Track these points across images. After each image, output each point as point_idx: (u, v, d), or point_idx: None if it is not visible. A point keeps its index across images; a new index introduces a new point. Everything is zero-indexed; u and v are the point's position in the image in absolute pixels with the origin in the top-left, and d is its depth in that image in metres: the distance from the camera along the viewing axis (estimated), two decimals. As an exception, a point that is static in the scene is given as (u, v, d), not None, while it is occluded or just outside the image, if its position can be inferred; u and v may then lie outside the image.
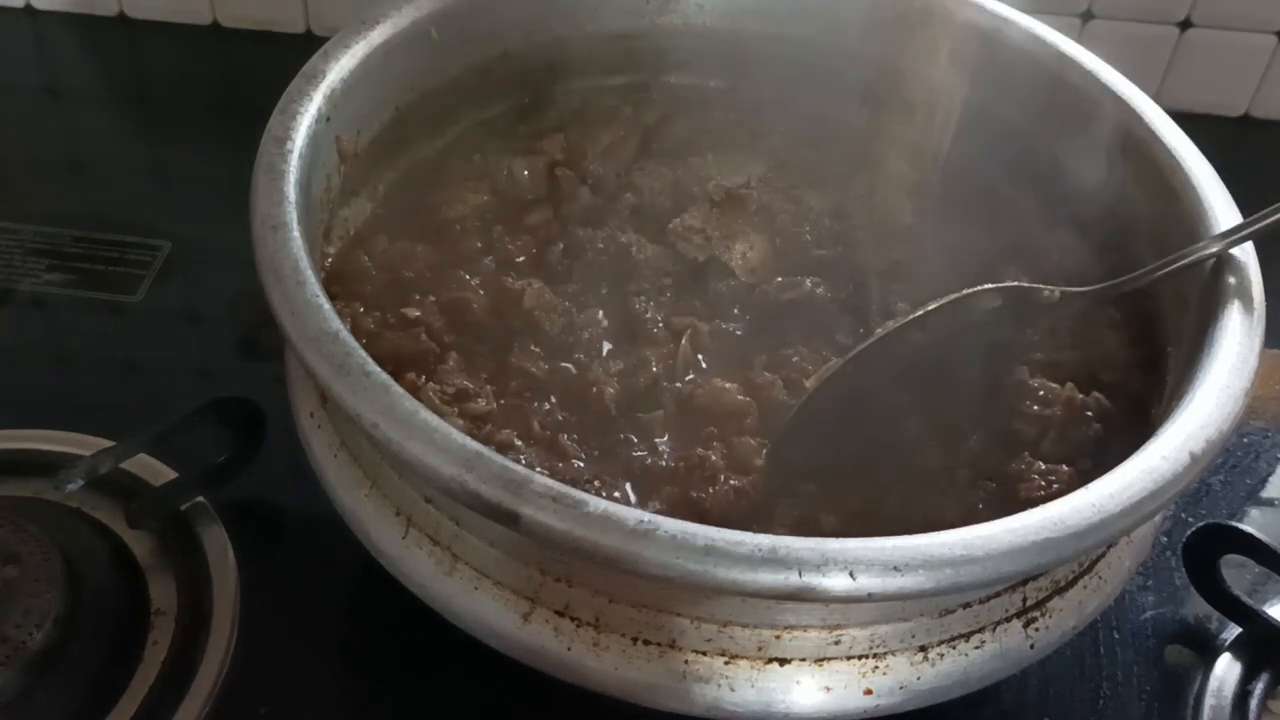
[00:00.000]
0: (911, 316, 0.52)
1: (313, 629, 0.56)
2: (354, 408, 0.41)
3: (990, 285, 0.52)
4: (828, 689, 0.43)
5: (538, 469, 0.46)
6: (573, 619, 0.43)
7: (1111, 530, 0.41)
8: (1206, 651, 0.57)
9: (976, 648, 0.45)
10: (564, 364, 0.53)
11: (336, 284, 0.55)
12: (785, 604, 0.41)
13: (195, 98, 0.89)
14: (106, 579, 0.55)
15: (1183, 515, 0.63)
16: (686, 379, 0.53)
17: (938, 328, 0.52)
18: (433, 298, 0.54)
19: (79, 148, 0.85)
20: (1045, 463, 0.49)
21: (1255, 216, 0.50)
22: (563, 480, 0.39)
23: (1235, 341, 0.46)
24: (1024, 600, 0.45)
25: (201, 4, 0.91)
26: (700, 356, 0.55)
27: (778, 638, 0.43)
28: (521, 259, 0.58)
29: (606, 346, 0.54)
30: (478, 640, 0.45)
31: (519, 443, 0.49)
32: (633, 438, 0.50)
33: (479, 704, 0.53)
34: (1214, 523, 0.58)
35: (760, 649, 0.43)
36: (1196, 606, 0.59)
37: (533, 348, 0.53)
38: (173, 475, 0.58)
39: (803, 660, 0.43)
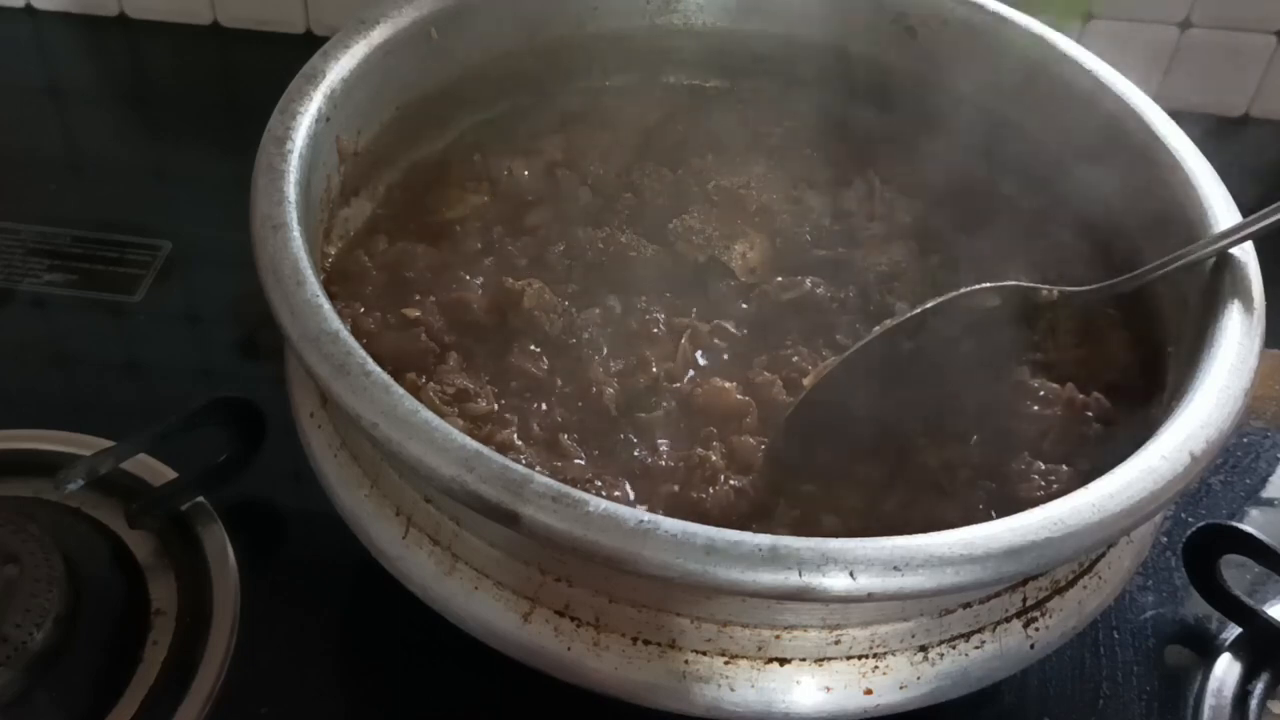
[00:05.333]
0: (909, 315, 0.52)
1: (313, 629, 0.56)
2: (354, 408, 0.41)
3: (989, 284, 0.52)
4: (828, 689, 0.43)
5: (538, 469, 0.46)
6: (573, 619, 0.43)
7: (1111, 530, 0.41)
8: (1206, 651, 0.57)
9: (976, 648, 0.45)
10: (564, 364, 0.53)
11: (336, 284, 0.55)
12: (785, 604, 0.41)
13: (195, 98, 0.89)
14: (106, 579, 0.55)
15: (1183, 515, 0.63)
16: (686, 379, 0.53)
17: (936, 327, 0.52)
18: (433, 298, 0.54)
19: (79, 148, 0.85)
20: (1045, 463, 0.49)
21: (1255, 216, 0.50)
22: (563, 480, 0.39)
23: (1235, 341, 0.47)
24: (1024, 600, 0.45)
25: (201, 4, 0.91)
26: (700, 356, 0.55)
27: (778, 638, 0.43)
28: (521, 259, 0.58)
29: (606, 347, 0.54)
30: (478, 640, 0.45)
31: (519, 443, 0.49)
32: (633, 438, 0.50)
33: (479, 704, 0.53)
34: (1214, 523, 0.58)
35: (760, 649, 0.43)
36: (1196, 606, 0.59)
37: (533, 348, 0.53)
38: (173, 475, 0.58)
39: (803, 660, 0.43)
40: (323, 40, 0.56)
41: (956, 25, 0.63)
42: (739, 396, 0.52)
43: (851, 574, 0.37)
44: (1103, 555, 0.48)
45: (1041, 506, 0.40)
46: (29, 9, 0.93)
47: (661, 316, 0.56)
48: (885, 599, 0.38)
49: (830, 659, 0.43)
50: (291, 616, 0.55)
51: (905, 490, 0.49)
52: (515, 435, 0.49)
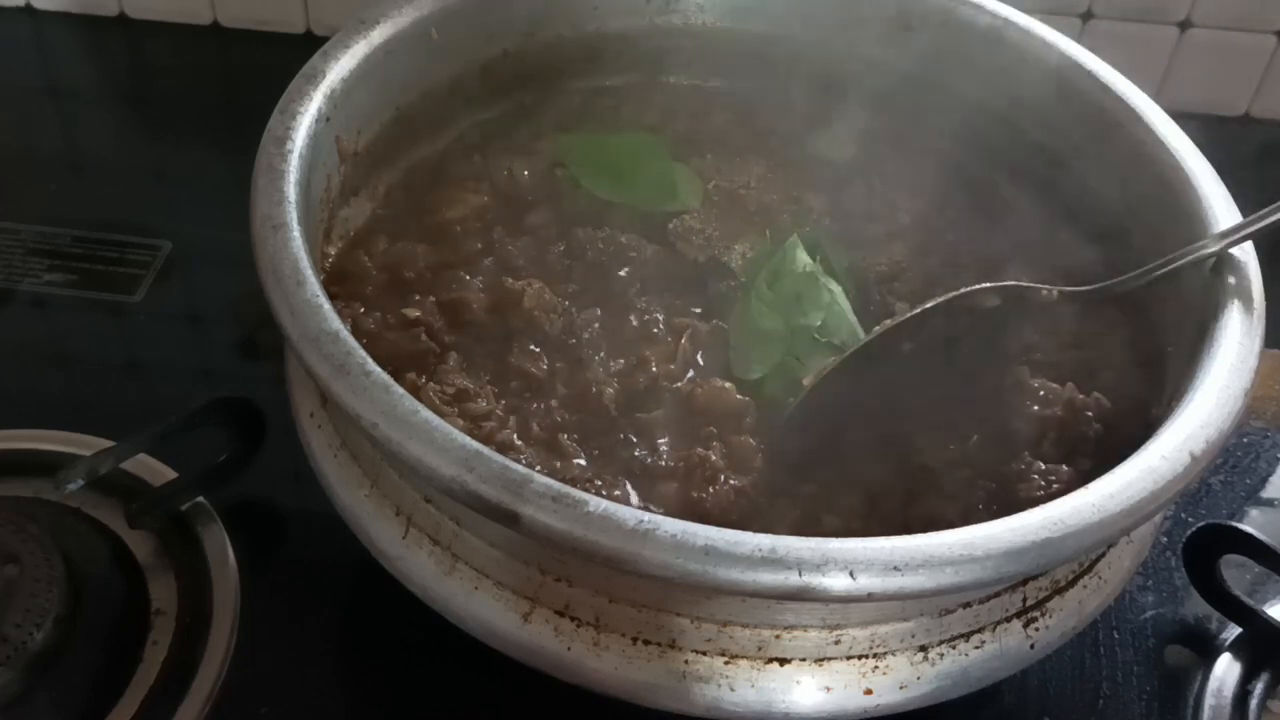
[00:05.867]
0: (909, 315, 0.52)
1: (313, 629, 0.56)
2: (354, 408, 0.41)
3: (988, 284, 0.52)
4: (828, 689, 0.43)
5: (538, 469, 0.46)
6: (573, 619, 0.43)
7: (1111, 530, 0.41)
8: (1206, 651, 0.57)
9: (976, 648, 0.45)
10: (564, 364, 0.53)
11: (336, 284, 0.55)
12: (785, 604, 0.41)
13: (195, 98, 0.89)
14: (106, 579, 0.55)
15: (1183, 515, 0.63)
16: (686, 379, 0.53)
17: (936, 327, 0.52)
18: (433, 298, 0.54)
19: (79, 148, 0.85)
20: (1045, 463, 0.49)
21: (1255, 216, 0.50)
22: (563, 480, 0.39)
23: (1235, 341, 0.47)
24: (1024, 600, 0.45)
25: (201, 4, 0.91)
26: (700, 356, 0.55)
27: (778, 638, 0.43)
28: (521, 259, 0.58)
29: (606, 346, 0.54)
30: (478, 640, 0.45)
31: (519, 443, 0.49)
32: (633, 438, 0.50)
33: (479, 704, 0.53)
34: (1214, 523, 0.58)
35: (760, 649, 0.43)
36: (1196, 606, 0.59)
37: (533, 348, 0.53)
38: (173, 475, 0.58)
39: (803, 660, 0.43)
40: (323, 40, 0.56)
41: (956, 25, 0.63)
42: (739, 396, 0.52)
43: (851, 574, 0.37)
44: (1103, 555, 0.48)
45: (1041, 506, 0.40)
46: (29, 9, 0.93)
47: (661, 316, 0.56)
48: (885, 599, 0.38)
49: (830, 659, 0.43)
50: (291, 616, 0.55)
51: (905, 490, 0.49)
52: (515, 435, 0.49)
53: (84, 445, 0.59)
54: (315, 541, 0.57)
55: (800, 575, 0.37)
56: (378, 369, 0.42)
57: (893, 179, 0.63)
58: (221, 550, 0.56)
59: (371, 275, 0.56)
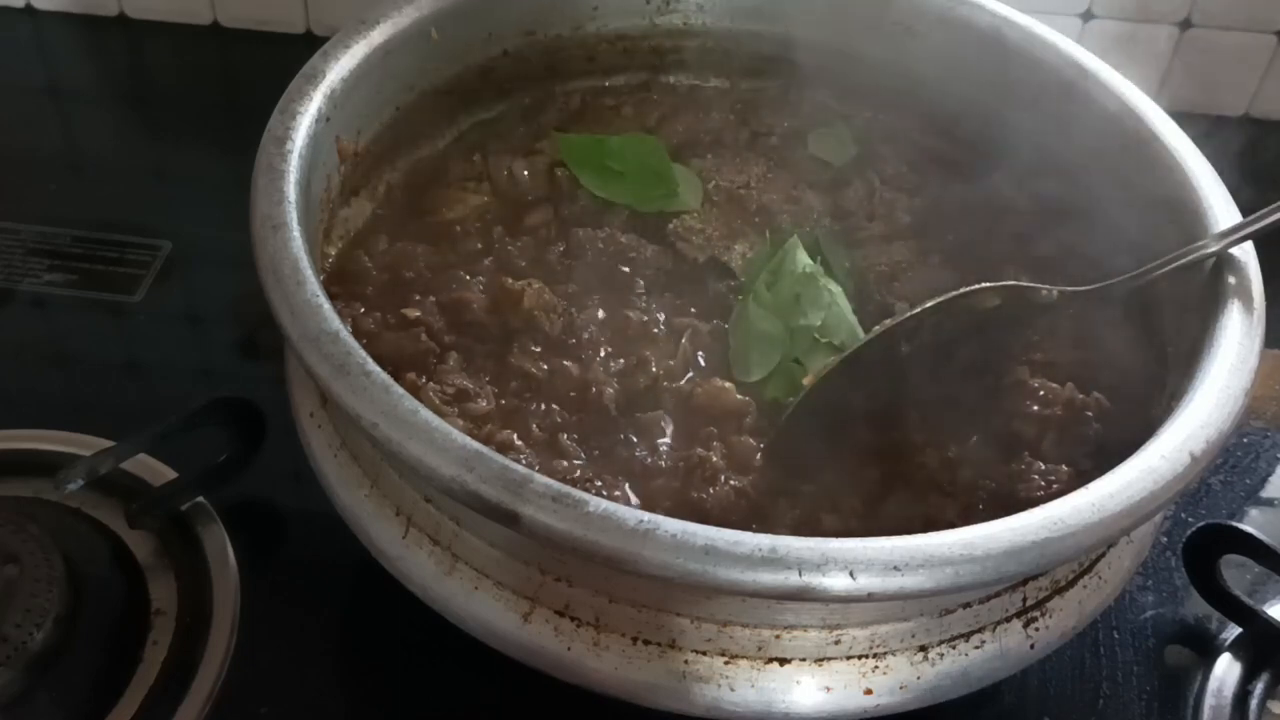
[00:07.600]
0: (908, 314, 0.52)
1: (313, 629, 0.56)
2: (354, 408, 0.41)
3: (989, 284, 0.52)
4: (828, 689, 0.43)
5: (538, 469, 0.46)
6: (573, 619, 0.43)
7: (1111, 530, 0.41)
8: (1206, 651, 0.57)
9: (976, 648, 0.45)
10: (564, 364, 0.53)
11: (336, 284, 0.55)
12: (785, 604, 0.41)
13: (195, 98, 0.89)
14: (106, 579, 0.55)
15: (1183, 515, 0.63)
16: (686, 379, 0.53)
17: (936, 327, 0.52)
18: (433, 298, 0.54)
19: (79, 148, 0.85)
20: (1045, 463, 0.49)
21: (1255, 216, 0.50)
22: (563, 480, 0.39)
23: (1235, 341, 0.47)
24: (1024, 600, 0.45)
25: (201, 4, 0.91)
26: (700, 356, 0.55)
27: (778, 638, 0.43)
28: (521, 259, 0.58)
29: (606, 347, 0.54)
30: (478, 640, 0.45)
31: (519, 443, 0.49)
32: (633, 438, 0.50)
33: (479, 704, 0.53)
34: (1214, 523, 0.58)
35: (760, 649, 0.43)
36: (1196, 606, 0.59)
37: (533, 348, 0.53)
38: (173, 475, 0.58)
39: (803, 660, 0.43)
40: (323, 40, 0.56)
41: (956, 25, 0.63)
42: (739, 396, 0.52)
43: (851, 574, 0.37)
44: (1103, 555, 0.48)
45: (1041, 506, 0.40)
46: (29, 9, 0.93)
47: (661, 316, 0.56)
48: (885, 599, 0.38)
49: (830, 659, 0.43)
50: (291, 616, 0.56)
51: (905, 490, 0.49)
52: (515, 435, 0.49)
53: (84, 445, 0.59)
54: (315, 541, 0.57)
55: (800, 575, 0.37)
56: (378, 369, 0.42)
57: (893, 179, 0.63)
58: (221, 550, 0.56)
59: (371, 275, 0.56)
